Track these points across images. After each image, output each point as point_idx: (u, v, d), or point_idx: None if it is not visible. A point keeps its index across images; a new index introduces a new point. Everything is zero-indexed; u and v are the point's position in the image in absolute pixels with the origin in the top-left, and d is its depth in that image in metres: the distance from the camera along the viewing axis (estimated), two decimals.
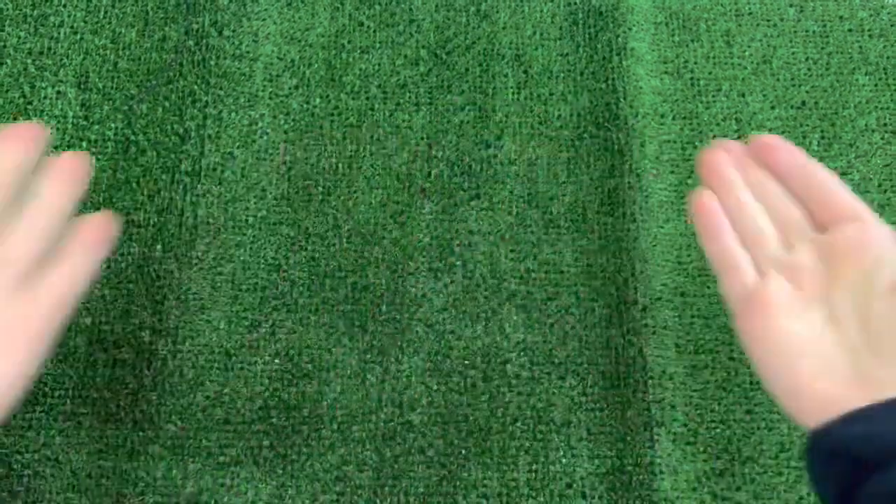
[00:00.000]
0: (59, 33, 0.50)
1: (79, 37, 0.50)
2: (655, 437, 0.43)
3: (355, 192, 0.48)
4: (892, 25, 0.54)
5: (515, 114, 0.51)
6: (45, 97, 0.49)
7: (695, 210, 0.32)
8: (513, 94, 0.51)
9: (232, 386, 0.44)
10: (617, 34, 0.53)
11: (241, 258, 0.47)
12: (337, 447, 0.43)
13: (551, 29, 0.53)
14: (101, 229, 0.31)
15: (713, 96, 0.52)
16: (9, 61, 0.49)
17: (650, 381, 0.44)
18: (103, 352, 0.44)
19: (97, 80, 0.49)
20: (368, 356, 0.45)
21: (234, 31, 0.52)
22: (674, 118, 0.51)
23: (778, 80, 0.53)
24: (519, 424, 0.43)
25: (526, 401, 0.44)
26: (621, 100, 0.51)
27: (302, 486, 0.42)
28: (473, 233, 0.48)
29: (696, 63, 0.53)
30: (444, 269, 0.47)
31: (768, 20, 0.55)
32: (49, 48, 0.50)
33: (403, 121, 0.50)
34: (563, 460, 0.43)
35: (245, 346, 0.45)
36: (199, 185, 0.48)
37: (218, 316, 0.45)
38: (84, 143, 0.48)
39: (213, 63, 0.51)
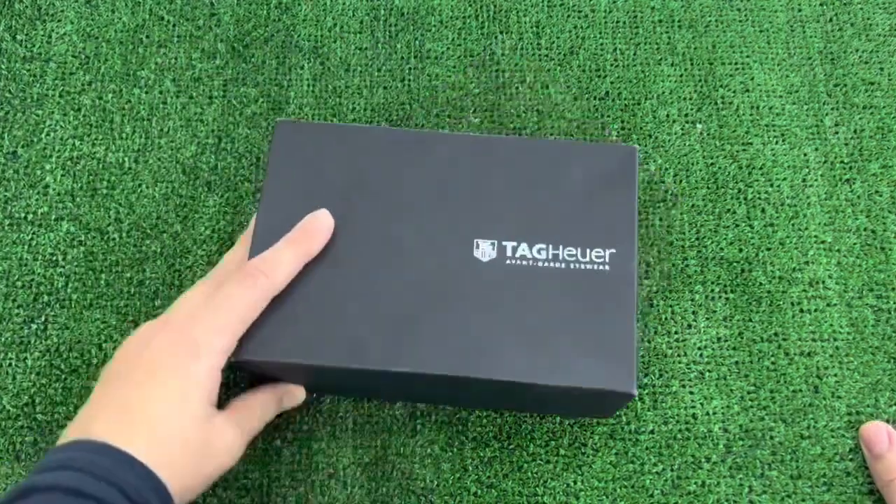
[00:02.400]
0: None
1: None
2: (419, 427, 0.43)
3: (140, 185, 0.48)
4: (702, 16, 0.55)
5: (309, 105, 0.50)
6: None
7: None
8: (308, 86, 0.51)
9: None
10: (416, 35, 0.53)
11: (18, 255, 0.46)
12: None
13: (352, 22, 0.53)
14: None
15: (517, 88, 0.52)
16: None
17: None
18: None
19: None
20: None
21: (27, 34, 0.51)
22: (474, 111, 0.51)
23: (584, 71, 0.53)
24: (285, 416, 0.43)
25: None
26: (414, 100, 0.51)
27: None
28: None
29: (503, 55, 0.53)
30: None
31: (579, 11, 0.55)
32: None
33: (195, 114, 0.50)
34: (328, 451, 0.43)
35: (16, 343, 0.44)
36: None
37: None
38: None
39: (3, 67, 0.51)
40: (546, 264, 0.37)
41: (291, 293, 0.36)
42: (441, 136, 0.40)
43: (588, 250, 0.37)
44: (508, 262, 0.37)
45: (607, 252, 0.37)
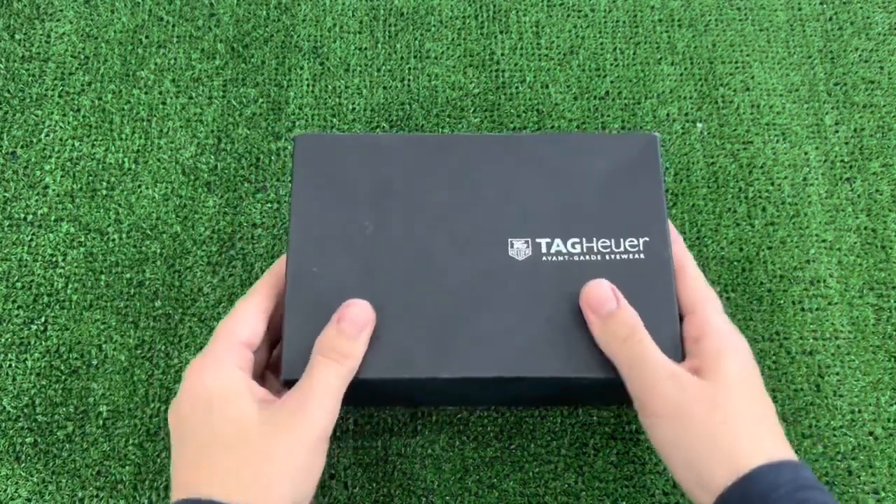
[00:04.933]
0: None
1: None
2: (419, 427, 0.43)
3: (139, 186, 0.48)
4: (701, 15, 0.55)
5: (309, 106, 0.50)
6: None
7: None
8: (308, 86, 0.51)
9: None
10: (415, 35, 0.53)
11: (18, 256, 0.46)
12: (100, 443, 0.43)
13: (351, 22, 0.53)
14: None
15: (517, 88, 0.52)
16: None
17: None
18: None
19: None
20: (138, 352, 0.44)
21: (26, 34, 0.51)
22: (474, 111, 0.51)
23: (584, 70, 0.53)
24: None
25: None
26: (414, 101, 0.51)
27: (63, 482, 0.42)
28: (257, 226, 0.47)
29: (502, 55, 0.53)
30: (223, 262, 0.46)
31: (579, 10, 0.55)
32: None
33: (195, 114, 0.50)
34: (329, 451, 0.43)
35: (16, 344, 0.44)
36: None
37: None
38: None
39: (2, 67, 0.50)
40: (582, 258, 0.37)
41: (331, 309, 0.35)
42: (460, 137, 0.40)
43: (622, 240, 0.37)
44: (544, 258, 0.37)
45: (641, 240, 0.37)
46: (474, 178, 0.38)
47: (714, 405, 0.32)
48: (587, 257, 0.37)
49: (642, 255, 0.37)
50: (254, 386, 0.34)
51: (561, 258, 0.37)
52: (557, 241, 0.37)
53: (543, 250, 0.37)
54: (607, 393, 0.40)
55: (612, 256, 0.37)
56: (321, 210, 0.37)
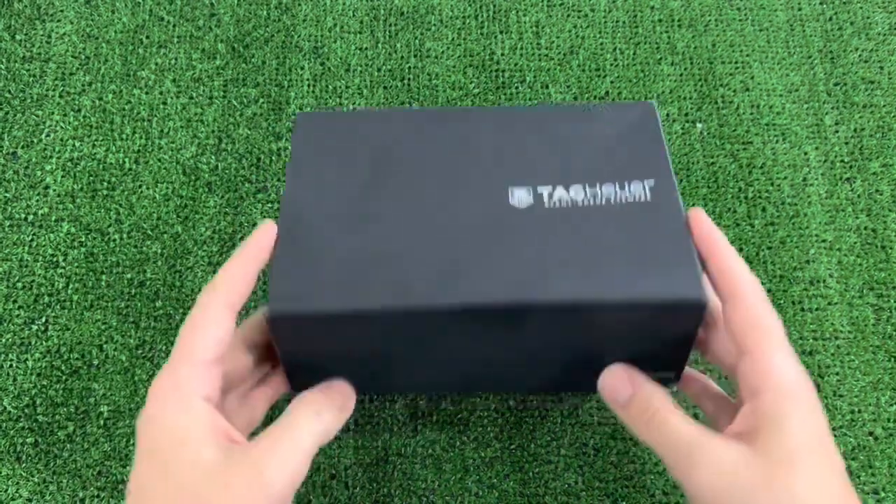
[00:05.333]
0: None
1: None
2: (419, 427, 0.43)
3: (140, 186, 0.48)
4: (701, 15, 0.55)
5: (309, 106, 0.50)
6: None
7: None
8: (308, 86, 0.51)
9: (0, 384, 0.44)
10: (415, 34, 0.53)
11: (18, 256, 0.46)
12: (101, 443, 0.43)
13: (352, 22, 0.53)
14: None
15: (516, 88, 0.52)
16: None
17: None
18: None
19: None
20: (139, 352, 0.44)
21: (27, 34, 0.51)
22: None
23: (583, 70, 0.53)
24: None
25: (296, 394, 0.44)
26: (414, 100, 0.51)
27: (64, 482, 0.42)
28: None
29: (502, 55, 0.53)
30: (223, 262, 0.46)
31: (579, 11, 0.55)
32: None
33: (195, 114, 0.50)
34: (329, 451, 0.43)
35: (16, 344, 0.44)
36: None
37: None
38: None
39: (2, 67, 0.50)
40: (586, 202, 0.35)
41: (319, 250, 0.33)
42: (461, 109, 0.41)
43: (626, 183, 0.36)
44: (547, 206, 0.35)
45: (646, 183, 0.36)
46: (474, 142, 0.38)
47: (771, 488, 0.27)
48: (592, 202, 0.35)
49: (649, 198, 0.35)
50: (217, 423, 0.30)
51: (565, 204, 0.35)
52: (559, 188, 0.36)
53: (545, 198, 0.35)
54: (627, 344, 0.36)
55: (617, 200, 0.35)
56: (318, 169, 0.36)
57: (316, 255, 0.33)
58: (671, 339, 0.35)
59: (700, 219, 0.34)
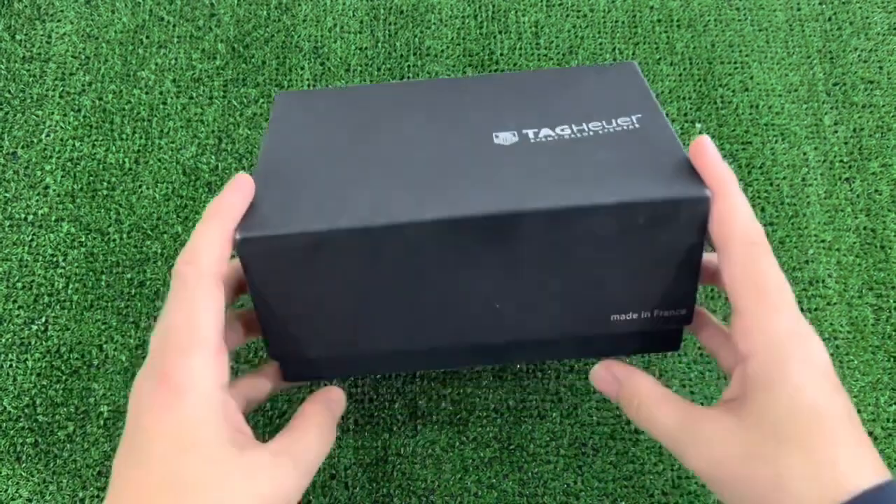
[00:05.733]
0: None
1: None
2: (419, 427, 0.43)
3: (140, 186, 0.48)
4: (700, 15, 0.55)
5: None
6: None
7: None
8: (308, 86, 0.51)
9: (0, 384, 0.44)
10: (415, 32, 0.53)
11: (18, 256, 0.46)
12: (101, 443, 0.43)
13: (352, 22, 0.53)
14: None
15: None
16: None
17: (419, 373, 0.44)
18: None
19: None
20: (139, 352, 0.44)
21: (27, 34, 0.51)
22: None
23: None
24: (286, 417, 0.43)
25: (296, 394, 0.44)
26: None
27: (64, 482, 0.42)
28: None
29: (501, 55, 0.53)
30: None
31: (578, 10, 0.55)
32: None
33: (195, 114, 0.50)
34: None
35: (16, 344, 0.45)
36: None
37: None
38: None
39: (2, 67, 0.51)
40: (573, 137, 0.34)
41: (298, 183, 0.32)
42: (444, 80, 0.42)
43: (613, 119, 0.34)
44: (533, 142, 0.33)
45: (633, 116, 0.35)
46: (457, 102, 0.37)
47: (755, 462, 0.26)
48: (579, 135, 0.34)
49: (637, 126, 0.34)
50: (229, 414, 0.28)
51: (551, 139, 0.33)
52: (545, 129, 0.34)
53: (531, 137, 0.34)
54: (634, 273, 0.32)
55: (605, 130, 0.34)
56: (297, 127, 0.36)
57: (293, 189, 0.31)
58: (675, 262, 0.31)
59: (703, 145, 0.30)
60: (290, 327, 0.32)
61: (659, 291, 0.32)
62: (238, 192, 0.30)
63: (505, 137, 0.34)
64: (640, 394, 0.31)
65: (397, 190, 0.31)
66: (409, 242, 0.30)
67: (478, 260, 0.31)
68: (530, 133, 0.34)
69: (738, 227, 0.29)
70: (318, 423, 0.32)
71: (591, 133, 0.34)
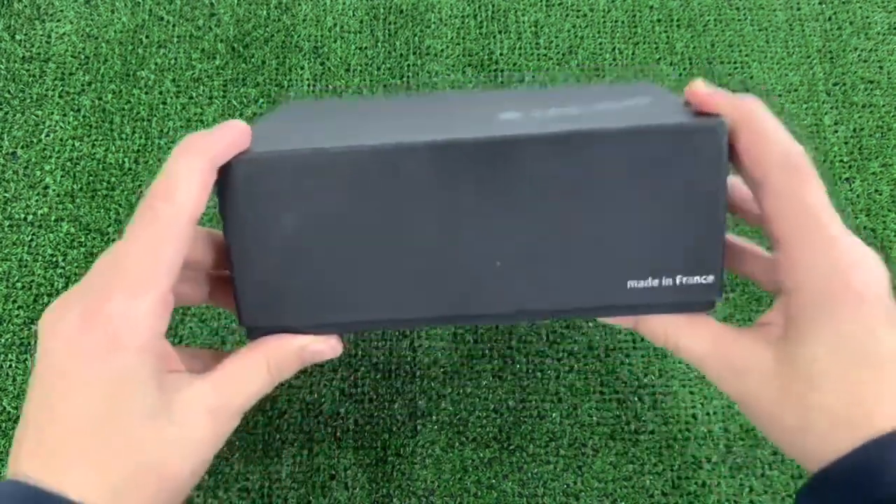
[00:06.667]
0: None
1: None
2: (419, 427, 0.43)
3: (140, 186, 0.48)
4: (700, 15, 0.55)
5: None
6: None
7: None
8: (308, 86, 0.51)
9: (0, 384, 0.44)
10: (415, 32, 0.53)
11: (18, 256, 0.46)
12: None
13: (352, 22, 0.53)
14: None
15: (515, 88, 0.52)
16: None
17: (418, 372, 0.44)
18: None
19: None
20: None
21: (26, 34, 0.51)
22: None
23: (582, 70, 0.53)
24: (286, 417, 0.43)
25: (296, 393, 0.44)
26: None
27: None
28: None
29: (501, 55, 0.53)
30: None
31: (578, 10, 0.55)
32: None
33: (195, 114, 0.50)
34: (328, 451, 0.43)
35: (16, 345, 0.45)
36: None
37: None
38: None
39: (2, 67, 0.50)
40: (581, 112, 0.32)
41: (294, 131, 0.31)
42: (458, 90, 0.43)
43: (623, 101, 0.33)
44: (539, 117, 0.31)
45: (644, 99, 0.33)
46: (461, 100, 0.38)
47: (787, 405, 0.25)
48: (587, 109, 0.32)
49: (649, 102, 0.33)
50: (164, 356, 0.26)
51: (557, 115, 0.31)
52: (553, 108, 0.32)
53: (537, 115, 0.31)
54: (647, 221, 0.29)
55: (614, 109, 0.31)
56: (294, 113, 0.37)
57: (288, 135, 0.31)
58: (694, 214, 0.28)
59: (700, 84, 0.28)
60: (264, 270, 0.29)
61: (680, 249, 0.29)
62: (231, 131, 0.27)
63: (510, 115, 0.31)
64: (665, 318, 0.29)
65: (392, 130, 0.30)
66: (401, 172, 0.27)
67: (476, 204, 0.28)
68: (537, 113, 0.32)
69: (774, 152, 0.26)
70: (254, 372, 0.30)
71: (600, 110, 0.32)
